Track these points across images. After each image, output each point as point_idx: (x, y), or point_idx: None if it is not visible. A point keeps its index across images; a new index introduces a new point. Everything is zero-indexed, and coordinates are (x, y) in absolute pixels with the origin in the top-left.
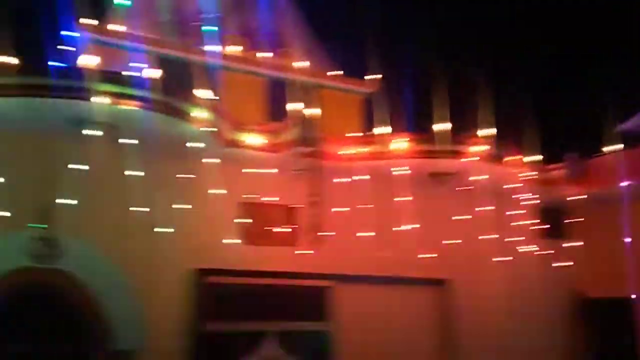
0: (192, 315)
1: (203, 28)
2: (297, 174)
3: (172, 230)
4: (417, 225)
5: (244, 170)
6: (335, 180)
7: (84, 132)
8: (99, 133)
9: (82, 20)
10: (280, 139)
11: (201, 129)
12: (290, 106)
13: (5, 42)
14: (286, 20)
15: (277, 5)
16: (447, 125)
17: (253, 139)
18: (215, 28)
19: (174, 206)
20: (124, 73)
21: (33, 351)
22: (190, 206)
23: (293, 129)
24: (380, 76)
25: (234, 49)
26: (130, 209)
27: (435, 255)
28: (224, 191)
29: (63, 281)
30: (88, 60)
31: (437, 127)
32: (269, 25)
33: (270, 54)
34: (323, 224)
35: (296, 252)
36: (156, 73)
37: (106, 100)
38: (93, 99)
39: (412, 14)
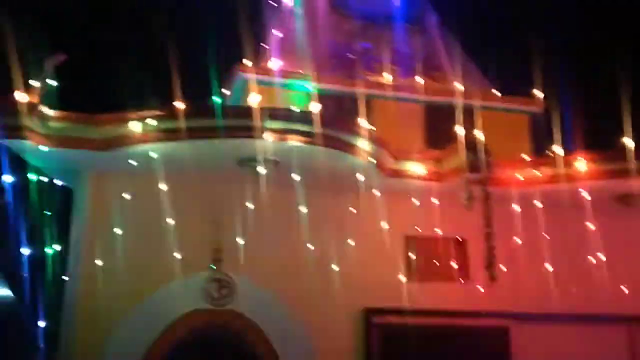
0: (361, 357)
1: (356, 59)
2: (466, 204)
3: (337, 267)
4: (605, 256)
5: (413, 201)
6: (507, 208)
7: (251, 170)
8: (266, 171)
9: (242, 61)
10: (445, 166)
11: (364, 160)
12: (453, 131)
13: (171, 87)
14: (437, 43)
15: (427, 28)
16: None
17: (416, 168)
18: (367, 58)
19: (339, 242)
20: (287, 109)
21: None
22: (355, 242)
23: (459, 155)
24: (543, 93)
25: (388, 77)
26: (297, 246)
27: (629, 289)
28: (388, 225)
29: (237, 322)
30: (252, 99)
31: (624, 142)
32: (421, 50)
33: (425, 79)
34: (497, 257)
35: (479, 288)
36: (317, 107)
37: (272, 137)
38: (259, 137)
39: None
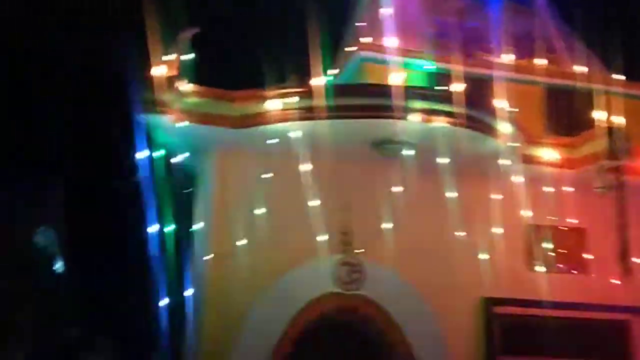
0: (481, 349)
1: (466, 38)
2: (601, 192)
3: (462, 253)
4: None
5: (539, 189)
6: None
7: (386, 152)
8: (400, 153)
9: (357, 40)
10: (580, 153)
11: (504, 144)
12: (575, 116)
13: (299, 64)
14: (548, 24)
15: (537, 9)
16: None
17: (548, 154)
18: (478, 38)
19: (465, 228)
20: (433, 89)
21: None
22: (480, 228)
23: (597, 142)
24: None
25: (504, 58)
26: (426, 230)
27: None
28: (513, 212)
29: (366, 307)
30: (393, 79)
31: None
32: (532, 31)
33: (544, 61)
34: (630, 250)
35: (607, 280)
36: (460, 87)
37: (417, 118)
38: (402, 118)
39: None
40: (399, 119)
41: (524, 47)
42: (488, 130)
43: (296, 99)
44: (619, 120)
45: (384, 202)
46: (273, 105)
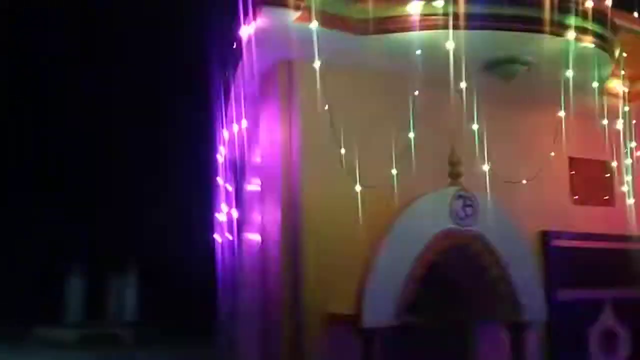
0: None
1: None
2: None
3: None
4: None
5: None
6: None
7: (500, 73)
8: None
9: None
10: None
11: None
12: None
13: None
14: None
15: None
16: None
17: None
18: None
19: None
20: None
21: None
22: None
23: None
24: None
25: None
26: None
27: None
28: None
29: (476, 243)
30: None
31: None
32: None
33: None
34: None
35: None
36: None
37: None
38: (554, 34)
39: None
40: (551, 34)
41: None
42: (613, 55)
43: (441, 2)
44: None
45: (492, 128)
46: (410, 9)
